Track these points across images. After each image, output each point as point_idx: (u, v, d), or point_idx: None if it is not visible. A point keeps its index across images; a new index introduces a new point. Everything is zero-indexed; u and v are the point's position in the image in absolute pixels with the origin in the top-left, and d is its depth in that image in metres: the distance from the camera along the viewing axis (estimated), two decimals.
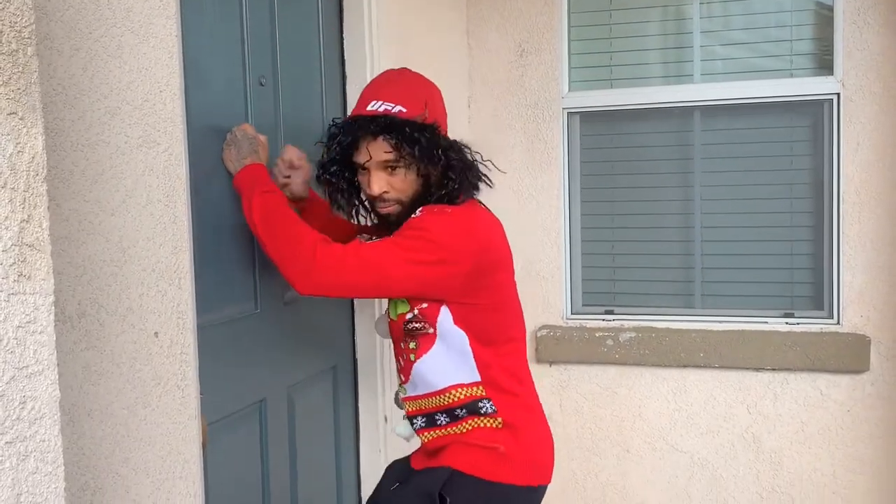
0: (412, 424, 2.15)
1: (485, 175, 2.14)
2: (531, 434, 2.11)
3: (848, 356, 3.28)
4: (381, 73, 2.19)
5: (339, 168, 2.10)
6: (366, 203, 2.17)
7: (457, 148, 2.07)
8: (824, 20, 3.35)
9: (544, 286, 3.65)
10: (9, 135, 1.10)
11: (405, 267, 1.93)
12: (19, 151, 1.12)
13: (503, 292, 2.11)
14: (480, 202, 2.15)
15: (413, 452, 2.22)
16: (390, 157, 1.99)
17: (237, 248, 2.23)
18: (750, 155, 3.48)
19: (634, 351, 3.49)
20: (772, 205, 3.47)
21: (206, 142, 2.07)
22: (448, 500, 2.00)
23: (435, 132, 2.01)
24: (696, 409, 3.50)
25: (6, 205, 1.10)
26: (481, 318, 2.04)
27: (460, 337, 2.02)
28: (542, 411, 2.22)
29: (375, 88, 2.08)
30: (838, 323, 3.36)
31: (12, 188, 1.11)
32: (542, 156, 3.63)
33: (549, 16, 3.59)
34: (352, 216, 2.21)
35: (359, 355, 2.87)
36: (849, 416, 3.34)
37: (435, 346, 2.03)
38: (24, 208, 1.12)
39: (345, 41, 2.79)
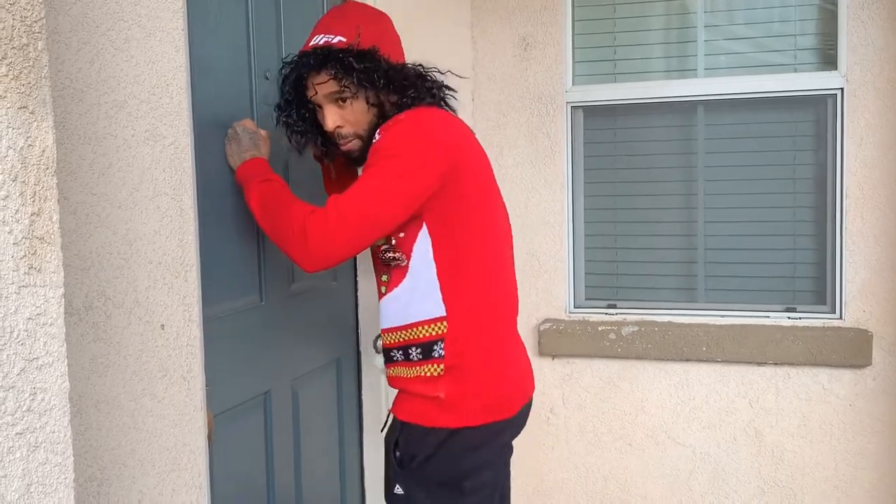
0: (391, 358, 2.16)
1: (444, 86, 2.13)
2: (481, 372, 2.06)
3: (850, 351, 3.29)
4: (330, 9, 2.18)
5: (298, 110, 2.10)
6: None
7: (399, 68, 2.04)
8: (828, 15, 3.35)
9: (547, 280, 3.66)
10: (19, 128, 1.11)
11: (383, 197, 1.91)
12: (30, 145, 1.12)
13: (482, 195, 2.07)
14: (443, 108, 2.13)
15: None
16: (334, 88, 2.00)
17: (243, 241, 2.24)
18: (753, 150, 3.48)
19: (637, 345, 3.50)
20: (775, 199, 3.47)
21: (211, 135, 2.07)
22: (397, 452, 2.07)
23: (373, 56, 1.99)
24: (699, 403, 3.51)
25: (17, 198, 1.10)
26: (460, 228, 2.01)
27: (430, 269, 2.00)
28: (509, 337, 2.17)
29: (320, 23, 2.09)
30: (841, 318, 3.36)
31: (23, 182, 1.11)
32: (545, 150, 3.64)
33: (554, 9, 3.59)
34: (323, 158, 2.22)
35: (362, 348, 2.88)
36: (851, 411, 3.35)
37: (404, 281, 2.02)
38: (34, 202, 1.13)
39: None
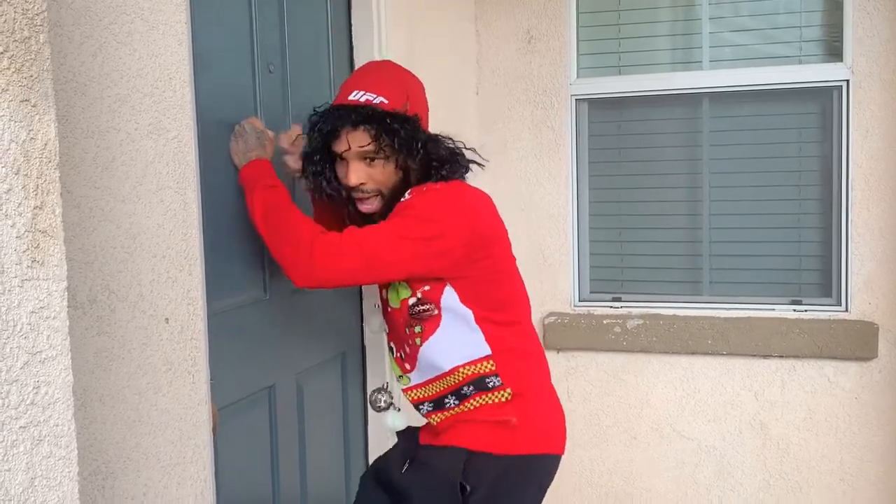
0: (419, 410, 2.14)
1: (471, 161, 2.14)
2: (541, 402, 2.11)
3: (856, 343, 3.28)
4: (364, 65, 2.20)
5: (321, 158, 2.07)
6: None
7: (437, 140, 2.07)
8: (834, 6, 3.34)
9: (552, 273, 3.65)
10: (22, 122, 1.11)
11: (400, 246, 1.92)
12: (32, 138, 1.12)
13: (503, 264, 2.10)
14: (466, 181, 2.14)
15: (422, 427, 2.21)
16: (370, 148, 1.99)
17: (247, 235, 2.24)
18: (759, 142, 3.47)
19: (642, 338, 3.50)
20: (780, 192, 3.46)
21: (215, 129, 2.07)
22: (469, 487, 1.99)
23: (415, 125, 2.01)
24: (704, 396, 3.50)
25: (20, 191, 1.10)
26: (486, 291, 2.03)
27: (466, 314, 2.01)
28: (550, 381, 2.21)
29: (357, 78, 2.09)
30: (846, 310, 3.35)
31: (25, 175, 1.11)
32: (550, 143, 3.63)
33: (557, 2, 3.58)
34: (327, 200, 2.19)
35: (367, 342, 2.87)
36: (856, 403, 3.34)
37: (441, 327, 2.02)
38: (37, 195, 1.13)
39: (353, 28, 2.79)
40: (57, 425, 1.16)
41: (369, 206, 2.06)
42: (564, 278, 3.65)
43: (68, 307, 1.19)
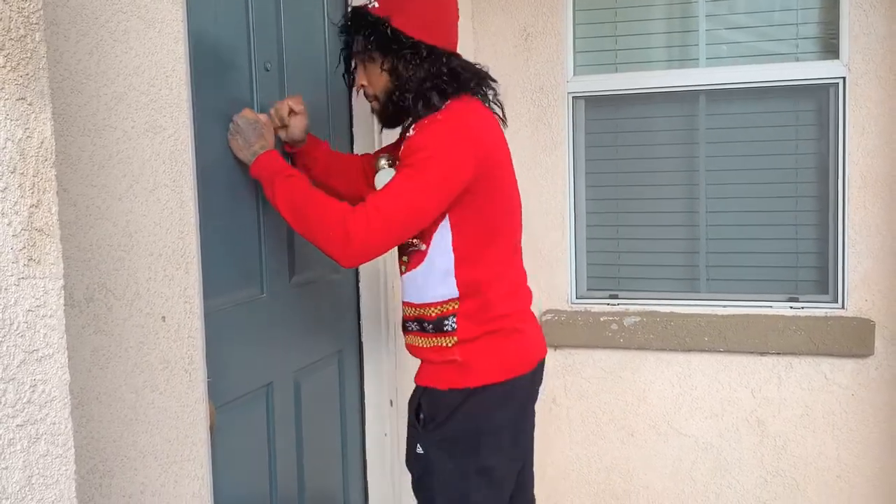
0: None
1: (482, 78, 2.20)
2: (495, 340, 2.16)
3: (852, 340, 3.28)
4: None
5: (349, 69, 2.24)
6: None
7: (430, 52, 2.09)
8: (830, 3, 3.34)
9: (549, 270, 3.66)
10: (18, 120, 1.11)
11: (422, 198, 1.99)
12: (28, 137, 1.12)
13: (501, 182, 2.16)
14: (475, 94, 2.19)
15: None
16: (359, 48, 2.11)
17: (244, 233, 2.24)
18: (755, 139, 3.48)
19: (639, 335, 3.50)
20: (777, 189, 3.47)
21: (212, 127, 2.07)
22: (420, 414, 2.16)
23: (382, 25, 2.06)
24: (701, 393, 3.51)
25: (16, 189, 1.10)
26: (484, 215, 2.10)
27: (447, 258, 2.09)
28: (527, 305, 2.30)
29: None
30: (843, 307, 3.36)
31: (21, 173, 1.11)
32: (547, 140, 3.63)
33: None
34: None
35: (364, 339, 2.88)
36: (853, 400, 3.35)
37: (424, 264, 2.12)
38: (33, 193, 1.13)
39: None
40: (54, 423, 1.16)
41: (372, 106, 2.20)
42: (562, 276, 3.65)
43: (65, 305, 1.19)
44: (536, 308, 3.65)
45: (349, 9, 2.17)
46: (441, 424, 2.12)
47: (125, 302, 1.61)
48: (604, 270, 3.70)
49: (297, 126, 2.27)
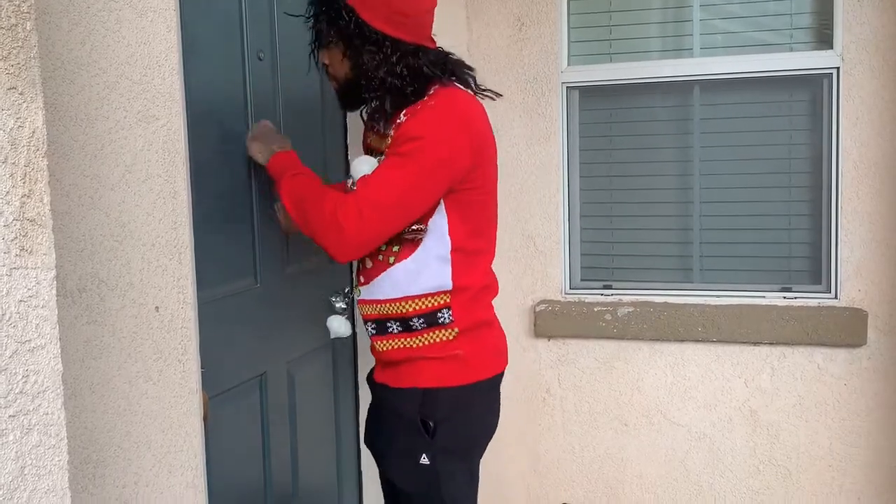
0: (366, 329, 2.19)
1: (452, 62, 2.15)
2: (485, 331, 2.17)
3: (845, 330, 3.29)
4: None
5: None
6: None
7: (383, 39, 2.03)
8: None
9: (543, 261, 3.66)
10: (9, 110, 1.10)
11: (414, 184, 1.96)
12: (20, 126, 1.12)
13: (488, 182, 2.14)
14: (456, 84, 2.15)
15: (375, 364, 2.27)
16: (321, 29, 2.10)
17: (237, 223, 2.24)
18: (749, 129, 3.48)
19: (632, 325, 3.50)
20: (770, 179, 3.47)
21: (204, 116, 2.06)
22: (431, 423, 2.07)
23: (348, 14, 2.02)
24: (694, 383, 3.51)
25: (7, 180, 1.10)
26: (475, 210, 2.10)
27: (444, 245, 2.06)
28: (492, 307, 2.27)
29: None
30: (836, 297, 3.37)
31: (13, 163, 1.11)
32: (540, 130, 3.63)
33: None
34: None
35: (358, 330, 2.88)
36: (846, 390, 3.36)
37: (418, 251, 2.06)
38: (24, 183, 1.12)
39: None
40: (46, 414, 1.16)
41: (333, 86, 2.18)
42: (555, 266, 3.65)
43: (57, 296, 1.18)
44: (530, 298, 3.66)
45: None
46: (451, 427, 2.08)
47: (118, 292, 1.61)
48: (597, 261, 3.71)
49: None
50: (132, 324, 1.64)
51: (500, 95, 2.30)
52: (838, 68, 3.29)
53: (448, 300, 2.08)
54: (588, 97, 3.65)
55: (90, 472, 1.54)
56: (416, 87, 2.04)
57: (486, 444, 2.25)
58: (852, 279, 3.33)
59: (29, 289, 1.13)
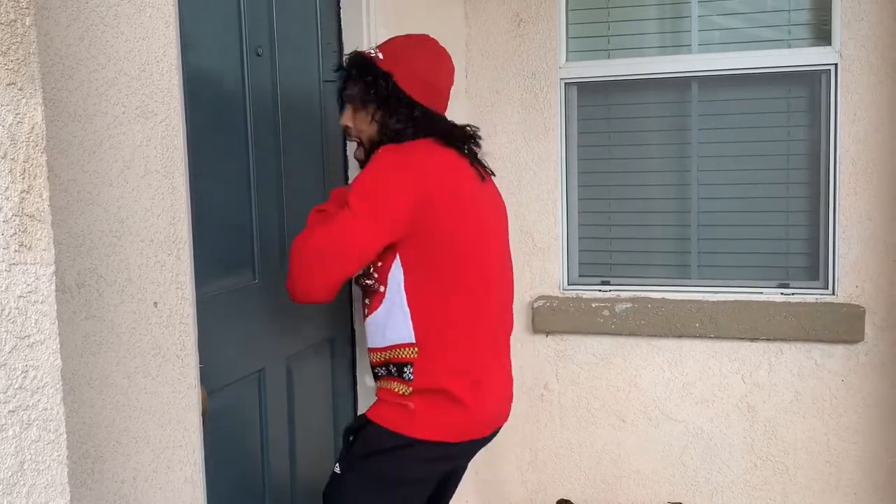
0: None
1: (469, 134, 2.19)
2: (442, 403, 2.08)
3: (842, 326, 3.30)
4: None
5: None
6: None
7: (410, 104, 2.11)
8: None
9: (541, 257, 3.66)
10: (8, 106, 1.10)
11: (355, 230, 1.98)
12: (19, 122, 1.12)
13: (460, 237, 2.06)
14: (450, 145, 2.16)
15: None
16: (352, 92, 2.15)
17: (236, 220, 2.24)
18: (747, 126, 3.48)
19: (630, 321, 3.51)
20: (768, 175, 3.47)
21: (203, 112, 2.06)
22: (352, 438, 2.15)
23: (387, 81, 2.10)
24: (692, 379, 3.52)
25: (6, 175, 1.10)
26: (435, 263, 2.04)
27: (402, 298, 2.05)
28: (494, 368, 2.19)
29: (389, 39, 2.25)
30: (833, 293, 3.37)
31: (12, 159, 1.11)
32: (539, 127, 3.63)
33: None
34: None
35: (356, 327, 2.88)
36: (843, 386, 3.37)
37: (381, 306, 2.09)
38: (24, 179, 1.12)
39: (342, 9, 2.78)
40: (45, 409, 1.16)
41: (357, 153, 2.22)
42: (553, 262, 3.66)
43: (56, 291, 1.18)
44: (528, 294, 3.66)
45: (352, 52, 2.20)
46: (370, 456, 2.10)
47: (117, 288, 1.61)
48: (595, 257, 3.71)
49: None
50: (131, 319, 1.65)
51: (494, 175, 2.28)
52: (836, 65, 3.29)
53: (415, 354, 2.06)
54: (586, 93, 3.65)
55: (89, 468, 1.54)
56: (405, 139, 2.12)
57: (419, 493, 2.18)
58: (850, 275, 3.34)
59: (28, 284, 1.13)
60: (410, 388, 2.07)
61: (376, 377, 2.19)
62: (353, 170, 2.87)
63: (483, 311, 2.13)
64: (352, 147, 2.84)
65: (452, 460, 2.22)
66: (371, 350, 2.16)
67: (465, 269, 2.08)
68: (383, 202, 1.98)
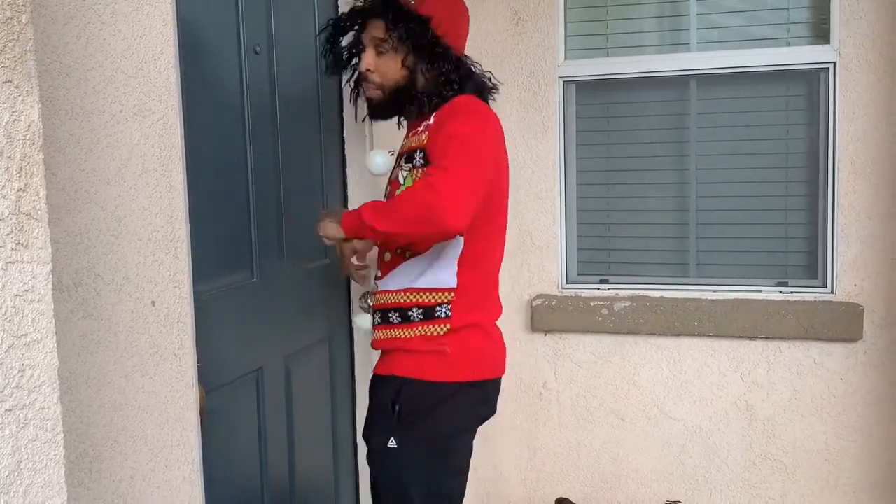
0: (373, 319, 2.27)
1: (488, 80, 2.28)
2: (476, 336, 2.18)
3: (841, 325, 3.30)
4: None
5: (350, 49, 2.28)
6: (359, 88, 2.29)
7: (449, 52, 2.15)
8: None
9: (540, 255, 3.66)
10: (4, 103, 1.10)
11: (478, 169, 2.00)
12: (15, 120, 1.11)
13: (506, 191, 2.24)
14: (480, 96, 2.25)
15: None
16: (379, 35, 2.14)
17: (234, 218, 2.23)
18: (746, 124, 3.48)
19: (629, 320, 3.51)
20: (767, 174, 3.47)
21: (201, 110, 2.06)
22: (398, 406, 2.12)
23: (425, 24, 2.11)
24: (690, 378, 3.52)
25: (3, 173, 1.09)
26: (490, 217, 2.14)
27: (456, 245, 2.12)
28: (494, 319, 2.30)
29: None
30: (832, 292, 3.37)
31: (9, 157, 1.10)
32: (537, 125, 3.62)
33: None
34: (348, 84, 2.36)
35: (355, 325, 2.87)
36: (841, 385, 3.37)
37: (432, 249, 2.13)
38: (20, 177, 1.12)
39: (339, 8, 2.77)
40: (42, 408, 1.16)
41: (371, 93, 2.21)
42: (552, 260, 3.65)
43: (53, 290, 1.18)
44: (526, 293, 3.66)
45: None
46: (423, 418, 2.11)
47: (114, 287, 1.60)
48: (594, 255, 3.71)
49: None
50: (128, 318, 1.64)
51: (497, 91, 2.35)
52: (835, 63, 3.29)
53: (450, 298, 2.13)
54: (585, 92, 3.64)
55: (86, 467, 1.54)
56: (453, 94, 2.15)
57: (467, 442, 2.25)
58: (848, 274, 3.34)
59: (25, 283, 1.13)
60: (447, 326, 2.12)
61: (386, 323, 2.19)
62: (352, 169, 2.87)
63: (500, 250, 2.28)
64: (351, 146, 2.84)
65: (488, 404, 2.27)
66: (393, 291, 2.17)
67: (503, 216, 2.25)
68: (488, 154, 2.05)
